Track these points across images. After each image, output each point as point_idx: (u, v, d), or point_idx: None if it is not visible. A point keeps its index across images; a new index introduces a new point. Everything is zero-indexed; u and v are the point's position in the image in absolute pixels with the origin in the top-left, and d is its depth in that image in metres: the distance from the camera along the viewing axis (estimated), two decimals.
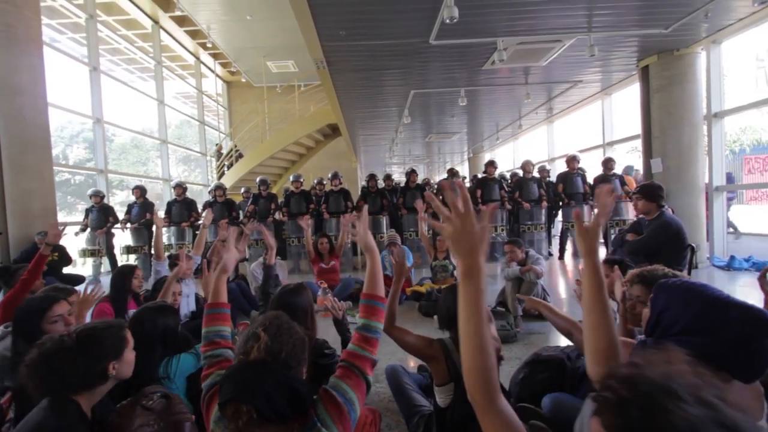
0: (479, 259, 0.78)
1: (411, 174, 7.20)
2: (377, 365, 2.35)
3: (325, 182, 7.42)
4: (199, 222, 7.04)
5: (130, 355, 1.30)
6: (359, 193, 7.71)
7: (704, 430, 0.48)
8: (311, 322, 1.76)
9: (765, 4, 3.53)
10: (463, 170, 16.40)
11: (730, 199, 7.06)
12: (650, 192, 3.01)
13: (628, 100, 7.20)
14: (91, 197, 6.57)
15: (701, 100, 5.41)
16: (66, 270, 5.40)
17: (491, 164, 7.03)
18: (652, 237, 2.94)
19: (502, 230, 6.73)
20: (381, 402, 2.19)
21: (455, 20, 3.55)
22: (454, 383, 1.53)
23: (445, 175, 7.43)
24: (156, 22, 9.48)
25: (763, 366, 0.93)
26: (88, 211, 6.57)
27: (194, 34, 10.46)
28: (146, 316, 1.81)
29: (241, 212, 7.40)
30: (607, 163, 6.63)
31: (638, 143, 5.88)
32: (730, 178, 6.24)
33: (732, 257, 5.23)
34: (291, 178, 7.26)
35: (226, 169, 11.21)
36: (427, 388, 1.87)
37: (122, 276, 2.59)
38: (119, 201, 17.84)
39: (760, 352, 0.92)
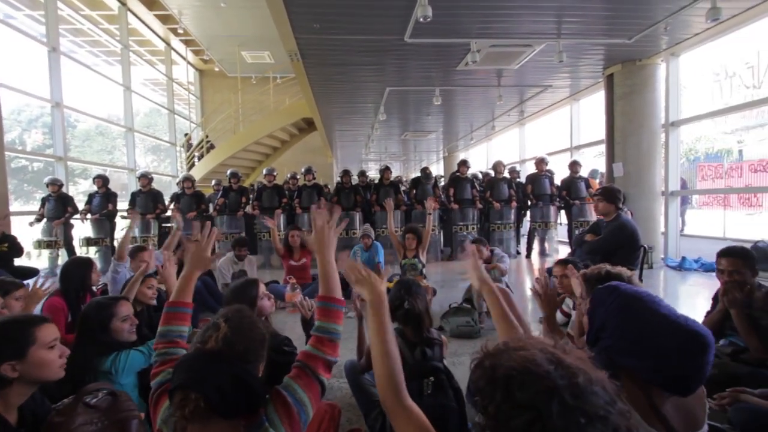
0: (378, 290, 1.08)
1: (384, 171, 7.22)
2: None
3: (298, 177, 7.33)
4: (166, 214, 6.81)
5: (45, 354, 1.19)
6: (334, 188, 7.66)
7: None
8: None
9: (717, 21, 3.75)
10: (439, 169, 16.59)
11: (683, 204, 7.50)
12: (610, 194, 3.17)
13: (594, 106, 7.50)
14: (48, 186, 6.21)
15: (660, 109, 5.71)
16: (18, 262, 5.10)
17: (463, 164, 7.15)
18: (609, 238, 3.10)
19: (473, 229, 6.87)
20: (343, 398, 2.21)
21: (429, 19, 3.58)
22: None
23: (419, 174, 7.49)
24: (123, 3, 9.04)
25: (701, 381, 0.92)
26: (44, 201, 6.21)
27: (165, 19, 10.04)
28: (92, 310, 1.77)
29: (211, 205, 7.21)
30: (573, 166, 6.89)
31: (604, 148, 6.14)
32: (684, 185, 6.60)
33: (683, 258, 5.56)
34: (264, 172, 7.13)
35: (196, 160, 10.87)
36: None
37: (80, 269, 2.47)
38: (83, 191, 16.94)
39: (698, 370, 0.90)
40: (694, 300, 4.23)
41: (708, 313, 2.22)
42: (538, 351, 0.64)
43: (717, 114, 6.24)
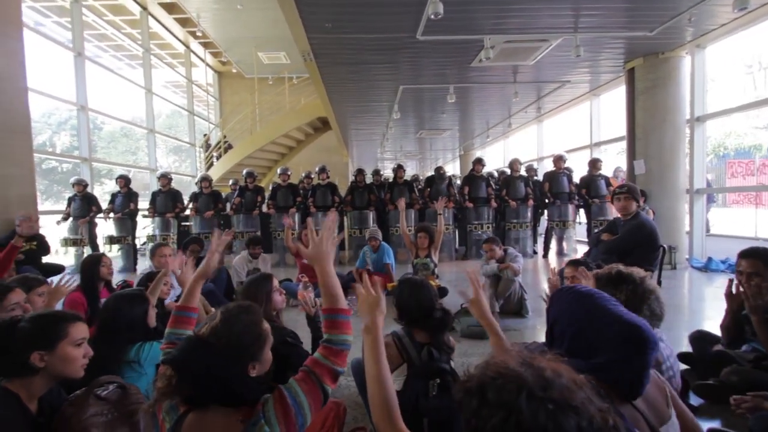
0: (377, 317, 1.11)
1: (398, 170, 7.20)
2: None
3: (312, 176, 7.39)
4: (185, 213, 6.97)
5: (72, 351, 1.24)
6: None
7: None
8: (266, 308, 1.83)
9: (745, 11, 3.58)
10: (455, 167, 16.44)
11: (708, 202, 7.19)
12: (635, 192, 3.07)
13: (615, 101, 7.27)
14: (73, 185, 6.46)
15: (685, 104, 5.48)
16: (46, 259, 5.32)
17: (479, 162, 7.06)
18: (627, 237, 2.99)
19: (488, 228, 6.78)
20: (350, 396, 2.20)
21: (440, 16, 3.54)
22: (406, 363, 1.67)
23: (433, 173, 7.43)
24: (144, 8, 9.30)
25: (642, 385, 0.91)
26: (70, 200, 6.46)
27: (184, 22, 10.29)
28: (114, 304, 1.85)
29: (228, 204, 7.34)
30: (594, 163, 6.70)
31: (625, 144, 5.95)
32: (707, 183, 6.34)
33: (709, 259, 5.34)
34: (278, 171, 7.21)
35: (214, 160, 11.10)
36: None
37: (90, 265, 2.58)
38: (108, 190, 17.53)
39: (638, 370, 0.89)
40: (720, 303, 4.03)
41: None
42: (512, 358, 0.66)
43: (746, 108, 5.95)
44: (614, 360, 0.90)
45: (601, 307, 0.96)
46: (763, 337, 1.82)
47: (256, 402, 1.00)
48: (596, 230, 5.92)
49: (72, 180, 6.55)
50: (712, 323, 2.90)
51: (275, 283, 1.98)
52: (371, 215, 6.90)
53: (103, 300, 2.41)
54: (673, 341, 2.78)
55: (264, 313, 1.81)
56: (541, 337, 2.94)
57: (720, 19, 4.56)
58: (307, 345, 1.97)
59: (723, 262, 5.28)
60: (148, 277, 2.44)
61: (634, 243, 2.93)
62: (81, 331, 1.29)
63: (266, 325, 1.12)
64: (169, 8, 9.71)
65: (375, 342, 1.07)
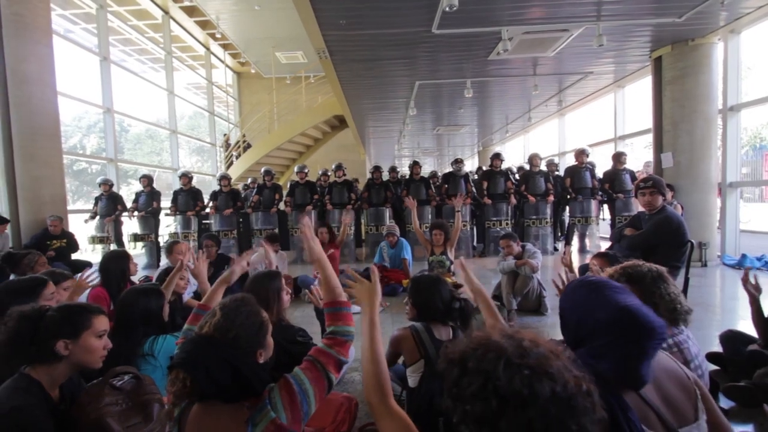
0: (374, 301, 1.16)
1: (414, 166, 7.14)
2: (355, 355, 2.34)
3: (329, 173, 7.43)
4: (206, 211, 7.13)
5: (94, 341, 1.29)
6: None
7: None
8: (277, 308, 1.80)
9: None
10: (473, 164, 16.20)
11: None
12: (661, 185, 2.92)
13: (642, 92, 6.99)
14: (100, 185, 6.71)
15: (716, 93, 5.21)
16: (75, 256, 5.55)
17: (497, 157, 6.92)
18: (652, 232, 2.85)
19: (507, 224, 6.64)
20: (362, 392, 2.19)
21: (455, 8, 3.48)
22: (424, 360, 1.62)
23: (450, 168, 7.34)
24: (166, 12, 9.55)
25: (638, 373, 0.89)
26: (97, 199, 6.72)
27: (204, 25, 10.52)
28: (131, 297, 1.89)
29: (246, 202, 7.47)
30: (619, 157, 6.46)
31: (652, 137, 5.71)
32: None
33: (743, 255, 5.07)
34: (296, 169, 7.28)
35: (234, 159, 11.32)
36: (404, 378, 1.86)
37: (118, 261, 2.63)
38: (135, 190, 18.17)
39: (633, 358, 0.88)
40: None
41: None
42: (495, 332, 0.71)
43: None
44: (605, 345, 0.90)
45: (603, 295, 0.95)
46: None
47: (262, 391, 1.02)
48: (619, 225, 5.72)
49: (98, 180, 6.80)
50: (746, 323, 2.75)
51: (282, 281, 1.98)
52: (387, 212, 6.88)
53: None
54: (703, 341, 2.65)
55: (276, 313, 1.82)
56: (560, 336, 2.86)
57: (755, 1, 4.30)
58: (317, 340, 1.96)
59: (759, 258, 5.00)
60: (166, 273, 2.49)
61: (659, 238, 2.79)
62: (103, 323, 1.34)
63: (264, 312, 1.14)
64: (190, 11, 9.94)
65: (371, 322, 1.11)
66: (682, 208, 5.09)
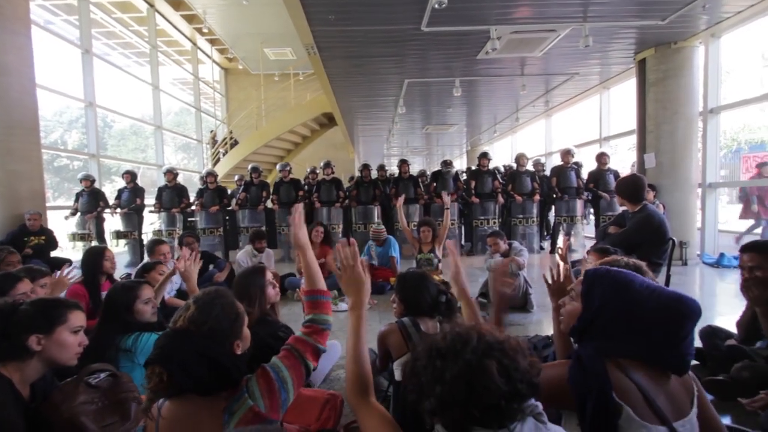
0: (363, 296, 1.10)
1: (402, 164, 7.15)
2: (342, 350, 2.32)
3: (318, 171, 7.38)
4: (191, 209, 7.00)
5: (68, 337, 1.25)
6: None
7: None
8: (261, 303, 1.80)
9: None
10: (462, 164, 16.30)
11: None
12: (623, 189, 3.00)
13: (626, 94, 7.11)
14: (81, 181, 6.53)
15: (697, 96, 5.34)
16: (54, 254, 5.39)
17: (484, 156, 6.98)
18: (634, 230, 2.91)
19: (495, 223, 6.70)
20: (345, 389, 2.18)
21: (444, 5, 3.49)
22: (411, 353, 1.57)
23: (440, 167, 7.36)
24: (151, 5, 9.34)
25: (691, 356, 0.93)
26: (78, 196, 6.54)
27: (190, 19, 10.32)
28: (113, 293, 1.86)
29: (233, 200, 7.37)
30: (601, 157, 6.57)
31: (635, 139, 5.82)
32: None
33: (722, 254, 5.20)
34: (278, 168, 7.21)
35: (221, 156, 11.16)
36: (392, 374, 1.86)
37: (93, 257, 2.58)
38: (119, 187, 17.68)
39: (688, 342, 0.91)
40: (731, 299, 3.93)
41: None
42: (471, 327, 0.77)
43: (761, 99, 5.76)
44: (657, 336, 0.92)
45: (643, 286, 0.96)
46: None
47: (240, 381, 1.02)
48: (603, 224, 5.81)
49: (79, 176, 6.62)
50: (724, 319, 2.82)
51: (268, 276, 1.96)
52: (376, 210, 6.87)
53: (104, 294, 2.41)
54: None
55: (259, 307, 1.80)
56: (545, 332, 2.88)
57: (735, 7, 4.41)
58: None
59: (736, 258, 5.13)
60: (145, 269, 2.43)
61: (640, 236, 2.85)
62: (79, 319, 1.30)
63: (239, 304, 1.13)
64: (176, 5, 9.74)
65: (360, 320, 1.08)
66: (664, 207, 5.21)
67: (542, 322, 3.28)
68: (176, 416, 0.95)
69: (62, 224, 6.39)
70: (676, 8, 4.25)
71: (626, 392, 0.88)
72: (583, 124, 9.45)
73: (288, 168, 7.07)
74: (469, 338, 0.74)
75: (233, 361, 1.01)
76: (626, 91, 7.02)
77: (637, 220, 2.88)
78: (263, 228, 6.57)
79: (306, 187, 7.14)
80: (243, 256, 4.66)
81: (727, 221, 8.76)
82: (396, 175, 7.45)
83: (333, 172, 7.08)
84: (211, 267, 4.29)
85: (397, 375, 1.64)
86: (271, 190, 7.09)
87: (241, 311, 1.11)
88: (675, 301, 0.92)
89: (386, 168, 7.82)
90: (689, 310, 0.90)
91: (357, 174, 8.37)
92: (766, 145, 12.33)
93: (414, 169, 10.33)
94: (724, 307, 3.48)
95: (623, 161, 10.38)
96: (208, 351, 0.96)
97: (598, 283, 1.00)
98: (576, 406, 0.91)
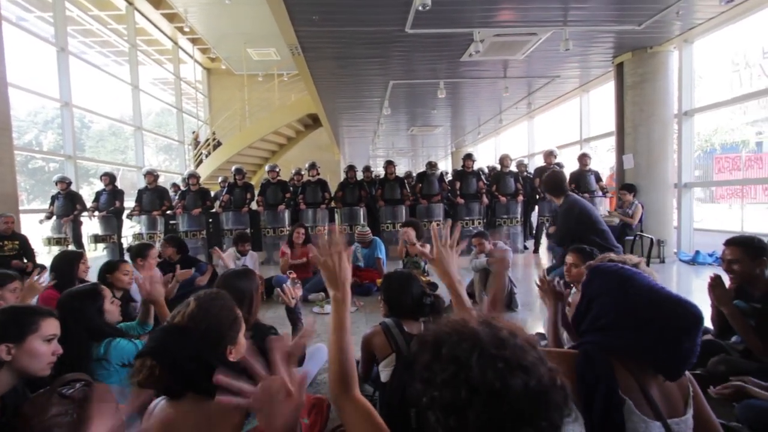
0: (345, 288, 1.01)
1: (388, 165, 7.16)
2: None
3: (303, 173, 7.32)
4: (171, 212, 6.85)
5: (40, 346, 1.20)
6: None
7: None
8: (252, 308, 1.75)
9: (731, 5, 3.59)
10: (447, 165, 16.42)
11: None
12: (548, 187, 3.12)
13: (606, 97, 7.29)
14: (56, 183, 6.31)
15: (672, 99, 5.51)
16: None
17: (469, 157, 7.04)
18: (561, 222, 3.04)
19: (479, 223, 6.76)
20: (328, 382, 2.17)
21: (428, 7, 3.50)
22: (395, 353, 1.63)
23: (424, 168, 7.40)
24: (130, 3, 9.12)
25: (687, 364, 0.92)
26: (53, 198, 6.31)
27: (171, 18, 10.11)
28: (87, 296, 1.77)
29: (217, 202, 7.24)
30: (582, 158, 6.71)
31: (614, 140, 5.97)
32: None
33: (697, 252, 5.38)
34: (267, 168, 7.13)
35: (204, 157, 10.96)
36: (377, 379, 1.85)
37: (68, 262, 2.49)
38: (97, 190, 17.12)
39: (686, 350, 0.90)
40: (706, 295, 4.07)
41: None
42: (472, 318, 0.67)
43: (731, 103, 6.01)
44: (660, 339, 0.90)
45: (649, 289, 0.95)
46: (739, 330, 1.83)
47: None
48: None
49: (55, 178, 6.39)
50: None
51: (258, 280, 1.93)
52: (362, 211, 6.85)
53: None
54: None
55: (252, 311, 1.76)
56: (531, 330, 2.92)
57: (707, 14, 4.57)
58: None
59: (710, 255, 5.32)
60: (107, 269, 2.35)
61: (567, 225, 2.93)
62: (52, 326, 1.25)
63: (238, 310, 1.11)
64: (156, 3, 9.53)
65: (344, 314, 1.02)
66: (643, 207, 5.36)
67: (527, 321, 3.33)
68: (176, 420, 0.93)
69: (37, 228, 6.16)
70: (651, 14, 4.38)
71: (628, 387, 0.91)
72: (565, 125, 9.65)
73: (277, 169, 6.99)
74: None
75: (225, 365, 0.98)
76: (605, 93, 7.20)
77: (561, 212, 3.00)
78: (247, 230, 6.48)
79: (291, 188, 7.07)
80: (226, 259, 4.58)
81: (702, 220, 9.08)
82: (382, 177, 7.45)
83: (318, 174, 7.04)
84: (193, 270, 4.20)
85: (383, 376, 1.64)
86: (257, 191, 7.00)
87: (239, 316, 1.10)
88: (671, 302, 0.91)
89: (372, 169, 7.81)
90: (685, 312, 0.89)
91: (342, 175, 8.31)
92: (738, 146, 12.84)
93: (399, 170, 10.37)
94: (701, 303, 3.58)
95: (602, 162, 10.63)
96: (201, 350, 0.96)
97: (599, 274, 1.02)
98: (580, 399, 0.92)
